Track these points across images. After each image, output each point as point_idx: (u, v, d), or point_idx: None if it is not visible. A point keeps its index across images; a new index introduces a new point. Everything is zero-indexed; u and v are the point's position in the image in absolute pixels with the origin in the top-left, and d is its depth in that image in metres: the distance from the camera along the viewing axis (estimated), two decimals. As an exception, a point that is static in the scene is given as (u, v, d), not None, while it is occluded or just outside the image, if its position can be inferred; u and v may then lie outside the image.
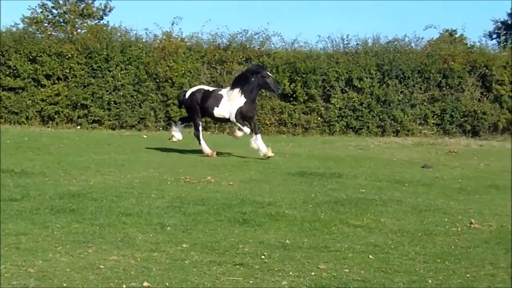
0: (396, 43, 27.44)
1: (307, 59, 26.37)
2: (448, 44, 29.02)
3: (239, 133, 16.95)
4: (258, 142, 16.71)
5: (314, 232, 8.70)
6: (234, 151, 17.82)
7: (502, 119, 26.53)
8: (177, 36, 27.11)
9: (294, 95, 26.30)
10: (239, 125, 16.78)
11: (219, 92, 17.21)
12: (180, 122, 18.09)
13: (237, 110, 16.67)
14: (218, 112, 16.98)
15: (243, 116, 16.76)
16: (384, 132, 26.05)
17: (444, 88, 26.53)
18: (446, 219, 9.70)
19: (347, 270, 6.99)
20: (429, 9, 77.64)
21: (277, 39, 28.06)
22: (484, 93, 26.85)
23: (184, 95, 17.65)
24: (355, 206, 10.45)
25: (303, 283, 6.56)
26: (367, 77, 26.25)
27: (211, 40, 27.10)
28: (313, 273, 6.86)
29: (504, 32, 40.31)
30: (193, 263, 7.15)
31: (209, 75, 26.43)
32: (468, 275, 6.88)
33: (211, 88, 17.80)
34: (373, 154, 19.38)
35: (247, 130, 16.74)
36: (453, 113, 26.35)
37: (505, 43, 29.84)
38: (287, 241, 8.17)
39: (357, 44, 27.49)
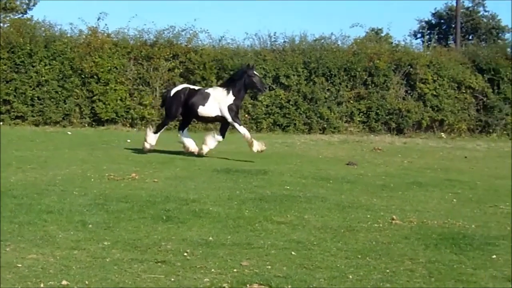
0: (322, 41, 27.69)
1: (235, 56, 26.38)
2: (374, 42, 29.40)
3: (255, 146, 16.53)
4: (210, 142, 16.60)
5: (238, 229, 8.68)
6: (164, 148, 17.63)
7: (426, 117, 27.02)
8: (103, 32, 26.79)
9: (222, 92, 26.23)
10: (236, 126, 16.47)
11: (205, 91, 16.90)
12: (181, 131, 17.12)
13: (228, 108, 16.29)
14: (203, 110, 16.45)
15: (236, 112, 16.55)
16: (311, 129, 26.23)
17: (370, 86, 26.87)
18: (368, 216, 9.80)
19: (269, 267, 6.99)
20: (356, 8, 78.72)
21: (205, 35, 27.94)
22: (409, 91, 27.31)
23: (168, 93, 17.16)
24: (280, 203, 10.48)
25: (225, 280, 6.53)
26: (294, 75, 26.40)
27: (138, 36, 26.88)
28: (235, 270, 6.85)
29: (428, 31, 41.22)
30: (114, 261, 7.05)
31: (136, 72, 26.21)
32: (387, 271, 6.97)
33: (196, 87, 17.47)
34: (299, 151, 19.49)
35: (242, 130, 16.55)
36: (378, 111, 26.72)
37: (429, 42, 30.49)
38: (211, 238, 8.14)
39: (284, 41, 27.64)
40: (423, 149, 21.83)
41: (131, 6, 65.91)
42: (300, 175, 13.87)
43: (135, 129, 24.71)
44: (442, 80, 27.19)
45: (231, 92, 16.37)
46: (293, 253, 7.56)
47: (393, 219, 9.53)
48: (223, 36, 27.52)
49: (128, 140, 20.29)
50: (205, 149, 16.50)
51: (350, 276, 6.74)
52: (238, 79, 16.53)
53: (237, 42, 27.58)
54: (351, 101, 26.73)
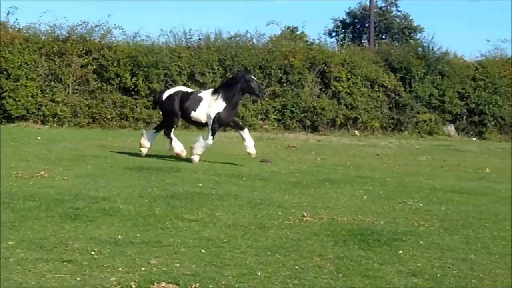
0: (238, 38, 27.76)
1: (149, 53, 26.19)
2: (289, 41, 29.61)
3: (197, 148, 15.67)
4: (246, 137, 15.97)
5: (148, 227, 8.57)
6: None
7: (340, 115, 27.39)
8: (13, 27, 26.18)
9: (136, 89, 26.04)
10: (210, 131, 15.72)
11: (198, 94, 16.06)
12: (154, 131, 16.49)
13: (215, 116, 15.57)
14: (195, 115, 15.79)
15: (222, 122, 15.79)
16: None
17: (285, 84, 27.08)
18: (280, 213, 9.82)
19: (178, 265, 6.92)
20: (271, 6, 79.08)
21: (119, 32, 27.74)
22: (323, 90, 27.65)
23: (161, 96, 16.35)
24: (191, 201, 10.40)
25: (132, 278, 6.43)
26: (209, 72, 26.39)
27: (50, 31, 26.42)
28: (143, 268, 6.75)
29: (343, 30, 41.69)
30: (17, 260, 6.85)
31: (47, 68, 25.70)
32: (296, 267, 6.98)
33: (189, 90, 16.69)
34: (213, 148, 19.33)
35: (210, 141, 15.79)
36: (293, 109, 26.94)
37: (343, 41, 30.87)
38: (119, 236, 8.00)
39: (199, 38, 27.63)
40: (337, 146, 22.10)
41: (42, 1, 64.60)
42: (213, 173, 13.83)
43: (46, 126, 24.23)
44: (355, 79, 27.61)
45: (222, 97, 15.56)
46: (202, 250, 7.50)
47: (304, 216, 9.57)
48: (138, 33, 27.38)
49: (39, 138, 19.88)
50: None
51: (259, 273, 6.73)
52: (234, 83, 15.71)
53: (151, 38, 27.49)
54: (266, 99, 26.81)
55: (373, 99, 27.90)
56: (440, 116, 28.60)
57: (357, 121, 27.77)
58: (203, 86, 26.28)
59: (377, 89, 27.95)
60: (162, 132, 16.39)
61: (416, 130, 28.25)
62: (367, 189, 12.61)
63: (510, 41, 36.37)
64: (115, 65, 25.72)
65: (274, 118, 26.88)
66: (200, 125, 16.58)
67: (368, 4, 46.29)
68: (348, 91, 27.53)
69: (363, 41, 47.89)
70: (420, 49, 29.44)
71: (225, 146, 20.42)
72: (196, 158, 15.60)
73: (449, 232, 8.90)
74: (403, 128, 28.21)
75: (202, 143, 15.68)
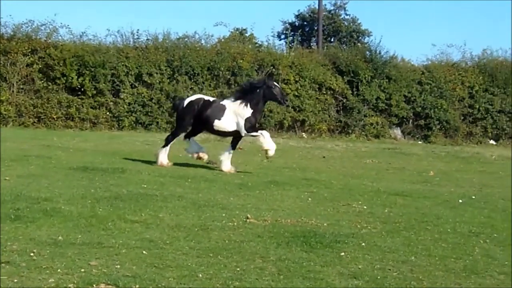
0: (186, 39, 27.71)
1: (96, 53, 25.96)
2: (238, 42, 29.62)
3: (266, 145, 15.11)
4: (224, 158, 15.36)
5: (89, 228, 8.46)
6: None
7: (288, 117, 27.48)
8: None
9: (82, 89, 25.79)
10: (253, 134, 15.16)
11: (221, 103, 15.42)
12: (188, 139, 15.87)
13: (245, 121, 14.97)
14: (219, 124, 15.16)
15: (253, 126, 15.06)
16: (173, 128, 26.06)
17: (233, 86, 27.05)
18: (224, 214, 9.79)
19: (118, 266, 6.84)
20: (220, 7, 78.91)
21: (65, 31, 27.36)
22: (271, 92, 27.59)
23: (181, 103, 15.78)
24: (135, 202, 10.31)
25: (71, 280, 6.34)
26: (157, 73, 26.27)
27: (-6, 29, 25.96)
28: (82, 270, 6.66)
29: (292, 33, 41.84)
30: (-46, 262, 6.71)
31: (-8, 66, 25.29)
32: (238, 269, 6.96)
33: (211, 98, 15.96)
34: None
35: (264, 134, 15.14)
36: (241, 111, 26.87)
37: (291, 44, 30.99)
38: (60, 237, 7.89)
39: (147, 39, 27.50)
40: (284, 148, 22.12)
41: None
42: (158, 174, 13.74)
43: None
44: (303, 81, 27.74)
45: (249, 104, 15.00)
46: (144, 252, 7.43)
47: (247, 217, 9.56)
48: (84, 32, 27.15)
49: (-18, 137, 19.55)
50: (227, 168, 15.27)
51: (200, 275, 6.69)
52: (256, 89, 15.10)
53: (98, 38, 27.28)
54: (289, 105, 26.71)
55: (320, 102, 28.06)
56: (387, 119, 28.89)
57: (304, 124, 27.90)
58: (150, 86, 26.18)
59: (324, 92, 28.12)
60: (195, 137, 16.00)
61: (363, 133, 28.47)
62: (312, 191, 12.65)
63: (456, 46, 36.70)
64: (61, 64, 25.44)
65: (221, 120, 26.80)
66: (222, 134, 15.89)
67: (317, 7, 46.49)
68: (296, 94, 27.65)
69: (311, 44, 48.11)
70: (367, 52, 29.69)
71: (173, 147, 20.30)
72: (272, 150, 15.18)
73: (391, 235, 8.97)
74: (350, 131, 28.41)
75: (267, 139, 15.13)
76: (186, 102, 15.57)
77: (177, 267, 6.92)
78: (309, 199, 11.78)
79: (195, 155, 15.61)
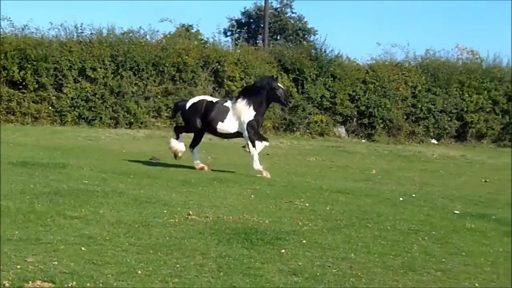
0: (131, 34, 27.50)
1: (38, 46, 25.60)
2: (183, 38, 29.46)
3: (257, 146, 14.92)
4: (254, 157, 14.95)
5: (27, 224, 8.32)
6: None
7: (234, 114, 27.38)
8: None
9: (24, 83, 25.41)
10: (249, 143, 14.90)
11: (224, 104, 15.16)
12: (192, 149, 15.57)
13: (248, 124, 14.77)
14: (222, 127, 14.98)
15: (255, 129, 14.86)
16: (117, 123, 25.92)
17: (178, 82, 26.96)
18: (165, 211, 9.73)
19: (56, 263, 6.73)
20: (165, 3, 78.41)
21: (6, 23, 26.86)
22: (216, 88, 27.63)
23: (184, 105, 15.54)
24: (75, 198, 10.17)
25: (6, 276, 6.21)
26: (101, 68, 26.00)
27: None
28: (18, 266, 6.53)
29: (238, 30, 41.81)
30: None
31: None
32: (178, 265, 6.92)
33: (214, 99, 15.73)
34: (103, 145, 19.19)
35: (254, 152, 14.87)
36: (185, 107, 26.77)
37: (237, 41, 30.96)
38: (-4, 233, 7.74)
39: (91, 33, 27.21)
40: (228, 145, 22.06)
41: None
42: (101, 170, 13.59)
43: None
44: (249, 78, 27.70)
45: (252, 106, 14.76)
46: (83, 248, 7.33)
47: (189, 214, 9.51)
48: (27, 25, 26.66)
49: None
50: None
51: (139, 272, 6.63)
52: (259, 91, 14.87)
53: (41, 31, 26.84)
54: (159, 96, 26.66)
55: (265, 99, 28.04)
56: (331, 117, 29.05)
57: (249, 121, 27.85)
58: (94, 81, 25.90)
59: (270, 90, 28.10)
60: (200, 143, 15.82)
61: (307, 131, 28.58)
62: (255, 188, 12.65)
63: (400, 46, 37.21)
64: (2, 57, 25.00)
65: (166, 116, 26.69)
66: (226, 136, 15.65)
67: (263, 4, 46.58)
68: (242, 91, 27.59)
69: (257, 41, 48.21)
70: (313, 51, 29.80)
71: (116, 143, 20.17)
72: (262, 171, 14.81)
73: (331, 232, 9.02)
74: (294, 129, 28.50)
75: (254, 158, 14.89)
76: (189, 104, 15.35)
77: (116, 264, 6.84)
78: (252, 196, 11.77)
79: (199, 166, 15.32)
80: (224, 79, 27.55)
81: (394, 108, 29.35)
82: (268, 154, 20.03)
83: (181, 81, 26.95)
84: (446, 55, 31.30)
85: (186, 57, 26.92)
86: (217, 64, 27.50)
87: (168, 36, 29.17)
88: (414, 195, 13.05)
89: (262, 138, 15.17)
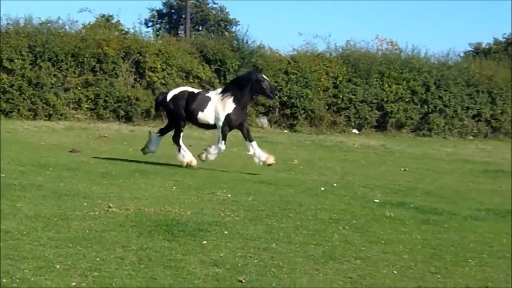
0: (49, 25, 26.96)
1: (-46, 36, 24.85)
2: (103, 29, 29.04)
3: (210, 155, 14.73)
4: (255, 149, 14.75)
5: None
6: None
7: (154, 105, 27.13)
8: None
9: None
10: (220, 135, 14.60)
11: (206, 95, 14.86)
12: (159, 134, 15.36)
13: (225, 117, 14.44)
14: (203, 116, 14.61)
15: (231, 124, 14.56)
16: (36, 115, 25.42)
17: (98, 73, 26.61)
18: (85, 204, 9.58)
19: (-30, 259, 6.56)
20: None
21: None
22: (138, 79, 27.36)
23: (165, 97, 15.13)
24: (-8, 191, 9.92)
25: None
26: (18, 59, 25.47)
27: None
28: None
29: (159, 20, 41.48)
30: None
31: None
32: (98, 259, 6.82)
33: (196, 90, 15.34)
34: (21, 138, 18.77)
35: (222, 146, 14.66)
36: (107, 98, 26.49)
37: (158, 31, 30.71)
38: None
39: (8, 23, 26.62)
40: (145, 137, 21.90)
41: None
42: (18, 163, 13.31)
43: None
44: (171, 69, 27.57)
45: (232, 98, 14.46)
46: (-1, 243, 7.16)
47: (110, 206, 9.39)
48: None
49: None
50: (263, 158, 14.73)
51: (58, 266, 6.51)
52: (244, 83, 14.53)
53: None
54: (79, 88, 26.27)
55: (187, 90, 27.91)
56: (254, 108, 29.09)
57: (170, 112, 27.67)
58: (11, 73, 25.33)
59: (192, 80, 28.01)
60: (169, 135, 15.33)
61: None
62: (176, 179, 12.59)
63: (322, 36, 37.58)
64: None
65: (87, 108, 26.32)
66: (207, 127, 15.19)
67: (185, -5, 46.38)
68: (163, 82, 27.42)
69: (179, 32, 47.94)
70: (235, 42, 29.79)
71: (35, 135, 19.78)
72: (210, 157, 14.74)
73: (253, 222, 9.03)
74: (217, 120, 28.40)
75: (214, 150, 14.73)
76: (169, 96, 14.99)
77: (34, 258, 6.70)
78: (174, 187, 11.71)
79: (146, 150, 15.23)
80: (146, 70, 27.30)
81: (316, 99, 29.58)
82: (190, 145, 19.93)
83: (101, 72, 26.59)
84: (366, 46, 31.75)
85: (107, 48, 26.56)
86: (138, 55, 27.24)
87: (88, 26, 28.69)
88: (335, 185, 13.19)
89: (248, 137, 14.85)
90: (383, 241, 8.37)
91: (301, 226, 9.01)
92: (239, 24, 53.38)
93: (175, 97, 14.89)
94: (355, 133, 29.78)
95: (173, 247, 7.44)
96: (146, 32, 32.07)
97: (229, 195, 11.12)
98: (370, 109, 30.06)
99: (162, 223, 8.53)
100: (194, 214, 9.33)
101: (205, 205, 10.18)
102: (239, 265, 6.93)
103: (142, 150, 15.36)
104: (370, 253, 7.76)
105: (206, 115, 14.62)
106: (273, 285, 6.39)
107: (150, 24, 47.74)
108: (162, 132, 15.37)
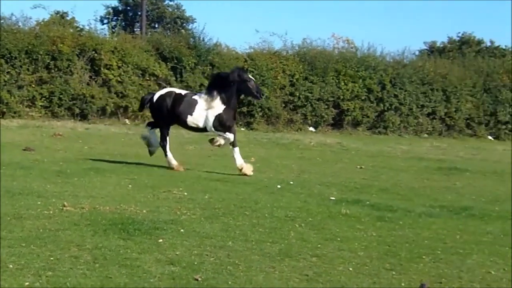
0: (2, 21, 26.57)
1: None
2: (58, 25, 28.70)
3: (220, 140, 14.39)
4: (235, 156, 14.40)
5: None
6: None
7: (110, 103, 26.99)
8: None
9: None
10: (218, 133, 14.37)
11: (192, 97, 14.54)
12: (149, 127, 14.99)
13: (215, 118, 14.20)
14: (192, 119, 14.36)
15: (222, 124, 14.27)
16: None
17: (53, 70, 26.29)
18: (39, 202, 9.48)
19: None
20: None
21: None
22: (93, 77, 27.10)
23: (152, 97, 14.83)
24: None
25: None
26: (-31, 56, 25.02)
27: None
28: None
29: (114, 17, 41.19)
30: None
31: None
32: (52, 258, 6.74)
33: (183, 92, 15.05)
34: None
35: (229, 135, 14.34)
36: (61, 96, 26.20)
37: (114, 29, 30.48)
38: None
39: (-40, 20, 26.08)
40: (106, 135, 21.82)
41: None
42: (-30, 161, 13.11)
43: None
44: (126, 67, 27.35)
45: (219, 99, 14.23)
46: (-50, 243, 7.04)
47: (64, 205, 9.29)
48: None
49: None
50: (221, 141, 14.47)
51: (11, 266, 6.43)
52: (230, 83, 14.23)
53: None
54: (33, 85, 25.93)
55: (144, 88, 27.69)
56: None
57: (128, 110, 27.52)
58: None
59: (148, 78, 27.84)
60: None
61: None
62: (133, 178, 12.52)
63: (278, 34, 37.64)
64: None
65: (41, 105, 25.98)
66: (196, 130, 14.86)
67: (141, -8, 46.08)
68: (119, 79, 27.20)
69: (135, 29, 47.60)
70: (191, 39, 29.67)
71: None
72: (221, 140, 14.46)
73: (210, 220, 9.02)
74: (174, 118, 28.27)
75: (223, 140, 14.45)
76: (156, 97, 14.74)
77: (-14, 259, 6.60)
78: (130, 186, 11.64)
79: (151, 149, 14.85)
80: (101, 68, 27.04)
81: (272, 97, 29.58)
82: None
83: (56, 69, 26.27)
84: (322, 44, 31.85)
85: (61, 45, 26.25)
86: (94, 52, 26.96)
87: (42, 23, 28.28)
88: (291, 183, 13.23)
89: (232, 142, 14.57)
90: (339, 239, 8.42)
91: (257, 224, 9.02)
92: (195, 22, 53.38)
93: (161, 97, 14.67)
94: (311, 131, 29.89)
95: (128, 246, 7.39)
96: (102, 29, 31.72)
97: (185, 193, 11.08)
98: (326, 107, 30.18)
99: (117, 221, 8.47)
100: (150, 213, 9.29)
101: (161, 203, 10.14)
102: (195, 263, 6.91)
103: (150, 153, 14.97)
104: (326, 250, 7.79)
105: (195, 118, 14.39)
106: (229, 283, 6.38)
107: (105, 21, 47.39)
108: (150, 124, 15.09)
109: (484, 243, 8.67)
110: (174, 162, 14.48)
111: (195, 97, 14.63)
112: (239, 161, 14.37)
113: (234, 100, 14.43)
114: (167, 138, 14.62)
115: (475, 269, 7.38)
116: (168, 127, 14.77)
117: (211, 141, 14.64)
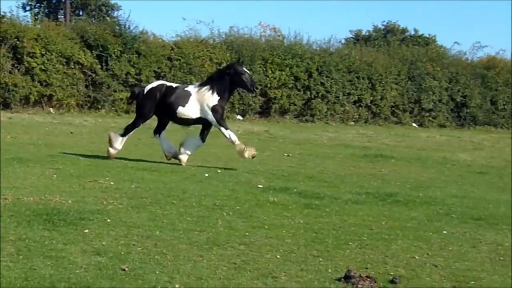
0: None
1: None
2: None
3: (246, 153, 14.15)
4: (192, 150, 14.33)
5: None
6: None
7: (34, 92, 26.47)
8: None
9: None
10: (219, 127, 14.11)
11: (185, 89, 14.25)
12: (157, 135, 14.59)
13: (212, 108, 13.90)
14: (182, 111, 13.96)
15: (221, 116, 14.11)
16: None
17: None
18: (-40, 194, 9.24)
19: None
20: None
21: None
22: (16, 65, 26.51)
23: (142, 90, 14.45)
24: None
25: None
26: None
27: None
28: None
29: (37, 4, 40.39)
30: None
31: None
32: (-27, 251, 6.59)
33: (174, 84, 14.72)
34: None
35: (231, 134, 14.25)
36: (-17, 85, 25.57)
37: (37, 16, 29.87)
38: None
39: None
40: (29, 124, 21.41)
41: None
42: None
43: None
44: (50, 55, 26.84)
45: (215, 91, 13.98)
46: None
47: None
48: None
49: None
50: (184, 158, 14.14)
51: None
52: (224, 76, 14.14)
53: None
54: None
55: (68, 76, 27.28)
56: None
57: (52, 99, 27.03)
58: None
59: (73, 66, 27.38)
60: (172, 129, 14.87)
61: (113, 108, 28.11)
62: (57, 168, 12.31)
63: (206, 22, 37.49)
64: None
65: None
66: (186, 122, 14.45)
67: (65, -21, 45.35)
68: (43, 68, 26.67)
69: (59, 16, 46.77)
70: (117, 27, 29.30)
71: None
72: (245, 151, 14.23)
73: (136, 210, 8.95)
74: (99, 107, 27.94)
75: (231, 137, 14.25)
76: (147, 89, 14.45)
77: None
78: (54, 176, 11.45)
79: (169, 155, 14.41)
80: (24, 56, 26.47)
81: (199, 85, 29.41)
82: (72, 133, 19.58)
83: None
84: (249, 32, 31.87)
85: (-18, 33, 25.64)
86: (16, 40, 26.37)
87: (-39, 10, 27.60)
88: (219, 171, 13.23)
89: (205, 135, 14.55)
90: (266, 226, 8.45)
91: (185, 213, 8.99)
92: (120, 9, 52.69)
93: (152, 89, 14.40)
94: (239, 119, 29.90)
95: (53, 237, 7.27)
96: (24, 16, 31.08)
97: (111, 183, 10.97)
98: (253, 95, 30.22)
99: (42, 212, 8.33)
100: (76, 203, 9.16)
101: (87, 193, 10.01)
102: (122, 253, 6.84)
103: (167, 158, 14.49)
104: (254, 238, 7.81)
105: (187, 110, 14.10)
106: (157, 272, 6.34)
107: (28, 8, 46.43)
108: (157, 131, 14.75)
109: (409, 229, 8.83)
110: (112, 151, 14.32)
111: (188, 89, 14.45)
112: (186, 155, 14.27)
113: (228, 93, 14.35)
114: (135, 130, 14.55)
115: (399, 254, 7.51)
116: (145, 120, 14.67)
117: (241, 155, 14.37)
